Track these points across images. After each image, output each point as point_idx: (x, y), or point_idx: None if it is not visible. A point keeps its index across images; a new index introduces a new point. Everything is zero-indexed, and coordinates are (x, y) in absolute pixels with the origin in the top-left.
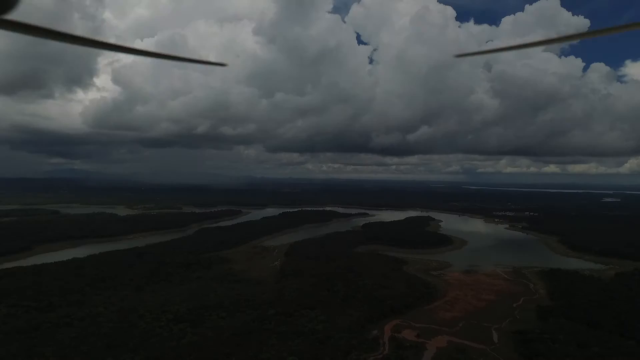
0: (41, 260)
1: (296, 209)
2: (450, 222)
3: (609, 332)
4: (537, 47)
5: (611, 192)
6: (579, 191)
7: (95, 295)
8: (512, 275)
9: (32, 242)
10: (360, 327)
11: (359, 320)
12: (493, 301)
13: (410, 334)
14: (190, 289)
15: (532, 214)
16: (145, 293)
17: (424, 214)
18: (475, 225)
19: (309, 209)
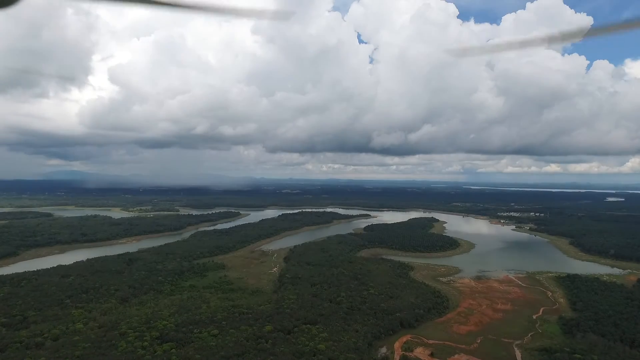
0: (24, 268)
1: (296, 211)
2: (454, 224)
3: None
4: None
5: (614, 191)
6: (581, 191)
7: (76, 309)
8: (527, 281)
9: (19, 248)
10: (368, 345)
11: (366, 336)
12: (510, 312)
13: (424, 352)
14: (181, 300)
15: (537, 214)
16: (130, 305)
17: (427, 214)
18: (481, 227)
19: (309, 210)
